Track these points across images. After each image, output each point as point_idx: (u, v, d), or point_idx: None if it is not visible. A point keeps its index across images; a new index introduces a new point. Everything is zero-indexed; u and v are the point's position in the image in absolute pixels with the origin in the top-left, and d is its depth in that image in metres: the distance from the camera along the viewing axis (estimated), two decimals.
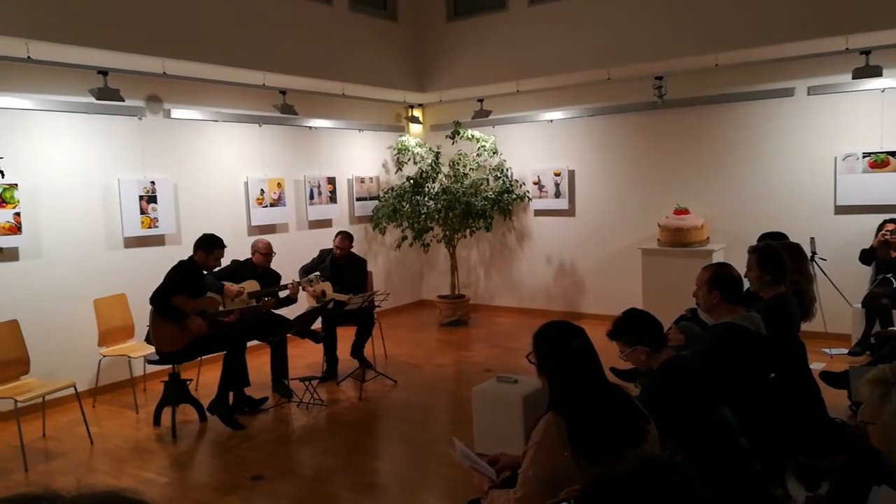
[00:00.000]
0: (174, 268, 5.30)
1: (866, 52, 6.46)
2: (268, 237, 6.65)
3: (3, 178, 4.85)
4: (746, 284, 4.00)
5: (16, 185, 5.63)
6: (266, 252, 6.06)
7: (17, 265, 5.76)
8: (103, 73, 5.93)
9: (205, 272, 5.48)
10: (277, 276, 6.18)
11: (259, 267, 6.05)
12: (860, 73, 6.44)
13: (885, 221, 6.41)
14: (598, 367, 2.31)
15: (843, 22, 6.03)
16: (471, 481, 2.80)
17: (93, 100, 5.95)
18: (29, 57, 5.43)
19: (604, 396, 2.26)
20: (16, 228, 5.67)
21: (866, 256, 6.47)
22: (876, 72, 6.39)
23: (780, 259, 3.98)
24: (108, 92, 5.89)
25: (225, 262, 5.73)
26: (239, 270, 5.96)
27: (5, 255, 5.56)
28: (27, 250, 5.82)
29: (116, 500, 0.64)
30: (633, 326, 2.92)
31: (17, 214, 5.67)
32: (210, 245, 5.36)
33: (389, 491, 4.27)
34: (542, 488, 2.15)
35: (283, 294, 6.07)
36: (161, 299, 5.12)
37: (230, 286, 5.69)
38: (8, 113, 5.67)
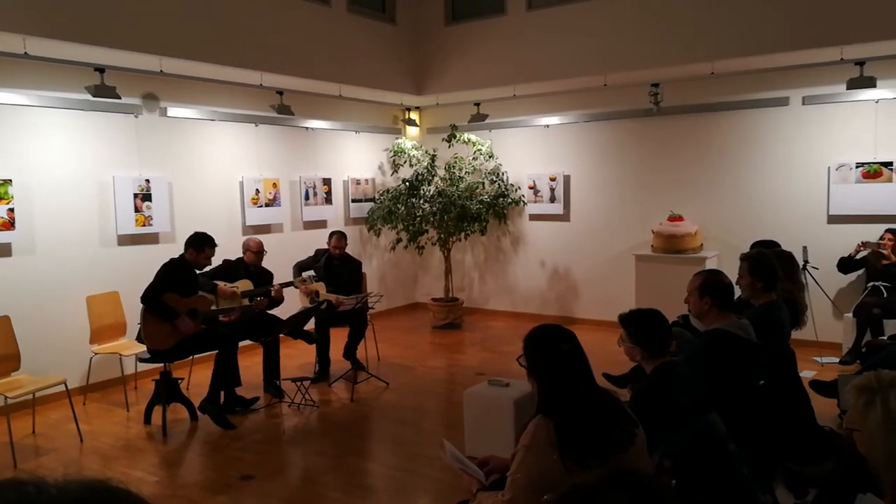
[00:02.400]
0: (164, 265, 5.30)
1: (860, 63, 6.51)
2: (262, 237, 6.64)
3: None
4: (738, 292, 4.03)
5: (10, 180, 5.62)
6: (258, 251, 6.05)
7: (10, 261, 5.74)
8: (100, 70, 5.93)
9: (197, 271, 5.48)
10: (270, 275, 6.17)
11: (251, 266, 6.05)
12: (854, 84, 6.49)
13: (887, 231, 6.45)
14: (588, 371, 2.32)
15: (837, 32, 6.08)
16: (460, 483, 2.81)
17: (89, 97, 5.94)
18: (26, 53, 5.42)
19: (592, 400, 2.27)
20: (9, 224, 5.65)
21: (845, 265, 6.58)
22: (870, 83, 6.43)
23: (772, 267, 4.01)
24: (104, 89, 5.88)
25: (216, 261, 5.72)
26: (231, 270, 5.95)
27: None
28: (20, 246, 5.80)
29: (102, 489, 0.64)
30: (644, 328, 2.92)
31: (11, 210, 5.66)
32: (200, 244, 5.35)
33: (379, 492, 4.27)
34: (531, 491, 2.16)
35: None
36: (152, 297, 5.11)
37: (223, 286, 5.69)
38: (4, 109, 5.66)
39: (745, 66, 7.09)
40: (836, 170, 6.99)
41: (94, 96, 5.89)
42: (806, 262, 6.40)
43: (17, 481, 0.62)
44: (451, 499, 2.92)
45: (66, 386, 5.11)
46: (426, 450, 4.78)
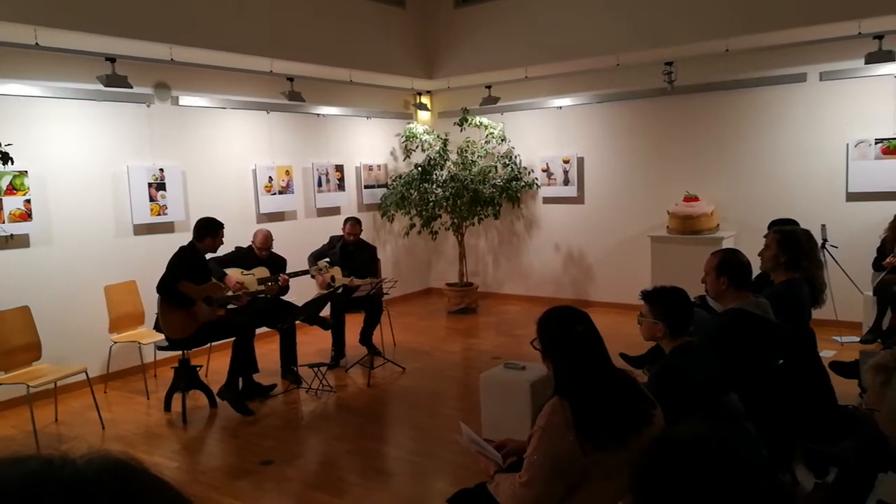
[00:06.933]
0: (176, 254, 5.30)
1: (879, 37, 6.37)
2: (276, 225, 6.68)
3: (12, 164, 4.87)
4: (755, 272, 3.98)
5: (26, 172, 5.66)
6: (262, 246, 6.07)
7: (28, 252, 5.80)
8: (111, 59, 5.94)
9: (208, 258, 5.49)
10: (283, 261, 6.20)
11: (262, 255, 6.07)
12: (873, 58, 6.36)
13: None
14: (603, 352, 2.31)
15: (855, 5, 5.94)
16: (477, 466, 2.81)
17: (101, 87, 5.95)
18: (37, 44, 5.43)
19: (608, 380, 2.25)
20: (26, 215, 5.71)
21: (878, 267, 6.32)
22: (889, 57, 6.29)
23: (800, 244, 3.99)
24: (116, 79, 5.89)
25: (228, 248, 5.74)
26: (243, 256, 5.99)
27: (16, 242, 5.60)
28: (38, 237, 5.86)
29: (125, 465, 0.64)
30: (668, 304, 2.90)
31: (28, 201, 5.71)
32: (215, 228, 5.33)
33: (397, 476, 4.30)
34: (547, 472, 2.16)
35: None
36: (167, 287, 5.14)
37: (231, 277, 5.68)
38: (17, 100, 5.69)
39: (761, 42, 6.96)
40: (855, 146, 6.87)
41: (105, 85, 5.89)
42: (825, 240, 6.31)
43: (41, 454, 0.62)
44: (469, 481, 2.93)
45: (86, 374, 5.17)
46: (443, 433, 4.79)
